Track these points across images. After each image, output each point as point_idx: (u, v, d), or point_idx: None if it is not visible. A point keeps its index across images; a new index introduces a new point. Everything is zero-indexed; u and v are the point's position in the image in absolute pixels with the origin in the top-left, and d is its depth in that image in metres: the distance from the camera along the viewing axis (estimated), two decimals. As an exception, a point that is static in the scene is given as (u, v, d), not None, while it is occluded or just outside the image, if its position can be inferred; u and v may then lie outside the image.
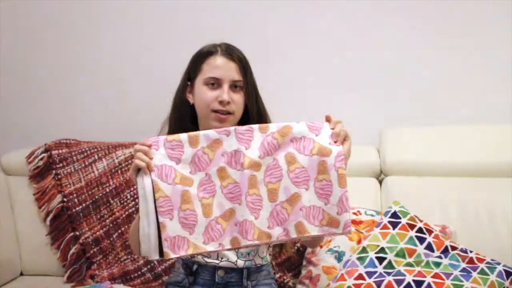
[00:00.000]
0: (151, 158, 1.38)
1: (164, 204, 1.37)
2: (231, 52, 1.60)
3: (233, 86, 1.59)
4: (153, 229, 1.37)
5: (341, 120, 1.46)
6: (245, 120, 1.64)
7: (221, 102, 1.57)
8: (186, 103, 1.64)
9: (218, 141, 1.39)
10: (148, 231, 1.37)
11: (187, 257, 1.65)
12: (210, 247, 1.38)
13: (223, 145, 1.39)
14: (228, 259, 1.61)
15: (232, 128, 1.40)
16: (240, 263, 1.62)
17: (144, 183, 1.37)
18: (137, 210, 2.10)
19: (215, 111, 1.57)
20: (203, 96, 1.58)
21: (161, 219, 1.36)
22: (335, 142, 1.42)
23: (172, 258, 1.39)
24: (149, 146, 1.39)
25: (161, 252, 1.37)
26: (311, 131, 1.43)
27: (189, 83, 1.63)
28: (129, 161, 2.16)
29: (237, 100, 1.59)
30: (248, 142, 1.39)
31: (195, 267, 1.64)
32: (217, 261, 1.61)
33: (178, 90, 1.66)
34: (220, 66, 1.58)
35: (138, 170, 1.39)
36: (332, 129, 1.45)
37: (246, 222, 1.37)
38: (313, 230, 1.37)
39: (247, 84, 1.61)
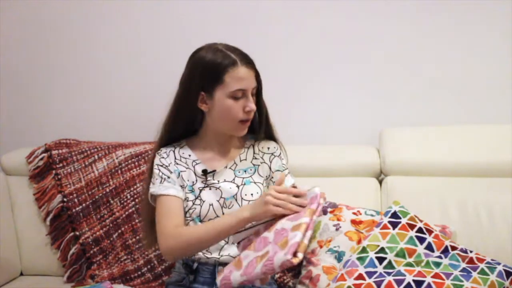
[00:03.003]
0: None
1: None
2: (250, 61, 1.62)
3: (252, 93, 1.63)
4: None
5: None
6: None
7: (248, 112, 1.61)
8: (194, 110, 1.65)
9: None
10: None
11: (189, 256, 1.67)
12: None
13: None
14: (229, 253, 1.63)
15: None
16: None
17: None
18: (137, 210, 2.11)
19: (241, 121, 1.62)
20: (231, 109, 1.60)
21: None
22: None
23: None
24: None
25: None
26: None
27: (203, 93, 1.61)
28: (129, 161, 2.16)
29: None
30: None
31: (195, 265, 1.65)
32: (218, 256, 1.63)
33: (185, 98, 1.64)
34: (244, 77, 1.59)
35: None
36: None
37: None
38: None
39: (260, 87, 1.66)
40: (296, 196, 1.44)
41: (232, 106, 1.59)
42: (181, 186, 1.66)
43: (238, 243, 1.53)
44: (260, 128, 1.71)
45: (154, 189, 1.65)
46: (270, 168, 1.71)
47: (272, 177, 1.72)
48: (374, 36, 2.29)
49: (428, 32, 2.26)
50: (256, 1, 2.33)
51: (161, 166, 1.67)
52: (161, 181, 1.65)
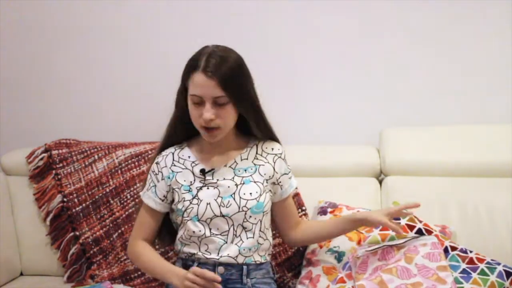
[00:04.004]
0: None
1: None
2: (213, 68, 1.55)
3: (216, 102, 1.57)
4: None
5: None
6: (247, 124, 1.68)
7: (205, 120, 1.57)
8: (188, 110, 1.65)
9: None
10: None
11: (187, 255, 1.67)
12: None
13: None
14: (228, 254, 1.63)
15: None
16: (241, 258, 1.63)
17: None
18: (137, 210, 2.10)
19: (204, 128, 1.60)
20: (191, 113, 1.61)
21: None
22: None
23: None
24: None
25: None
26: None
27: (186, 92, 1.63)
28: (129, 161, 2.16)
29: (224, 114, 1.58)
30: None
31: (195, 265, 1.65)
32: (217, 257, 1.63)
33: (180, 96, 1.66)
34: (200, 84, 1.55)
35: None
36: None
37: None
38: None
39: (232, 97, 1.57)
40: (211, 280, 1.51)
41: (192, 110, 1.60)
42: (174, 189, 1.68)
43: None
44: (256, 134, 1.71)
45: (142, 193, 1.76)
46: (274, 169, 1.70)
47: (280, 182, 1.72)
48: (374, 36, 2.29)
49: (428, 32, 2.26)
50: (256, 1, 2.32)
51: (153, 172, 1.73)
52: (147, 189, 1.74)
